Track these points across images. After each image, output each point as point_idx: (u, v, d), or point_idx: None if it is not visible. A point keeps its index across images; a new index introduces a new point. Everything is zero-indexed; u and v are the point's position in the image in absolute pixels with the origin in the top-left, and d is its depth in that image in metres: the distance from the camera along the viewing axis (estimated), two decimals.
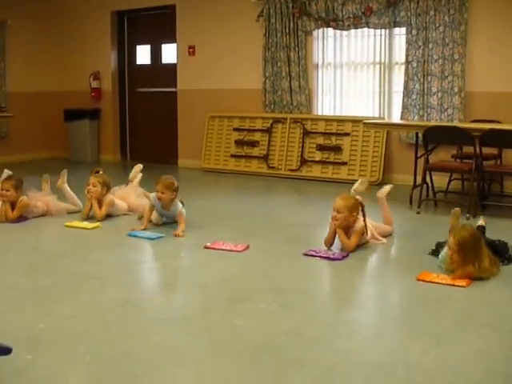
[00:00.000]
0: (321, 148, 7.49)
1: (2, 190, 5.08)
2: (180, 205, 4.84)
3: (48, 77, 9.43)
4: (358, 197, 4.22)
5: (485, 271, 3.56)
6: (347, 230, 4.20)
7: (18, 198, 5.10)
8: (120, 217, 5.27)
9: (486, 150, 5.49)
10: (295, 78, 7.62)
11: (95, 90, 9.18)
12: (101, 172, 5.30)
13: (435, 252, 4.00)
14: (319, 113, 7.74)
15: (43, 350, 2.66)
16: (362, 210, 4.20)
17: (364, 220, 4.20)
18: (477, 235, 3.67)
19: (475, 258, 3.54)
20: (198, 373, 2.48)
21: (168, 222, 4.92)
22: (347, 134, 7.36)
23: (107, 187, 5.19)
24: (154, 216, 4.92)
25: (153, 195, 4.86)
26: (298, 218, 5.39)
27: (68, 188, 5.48)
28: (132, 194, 5.52)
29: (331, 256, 4.06)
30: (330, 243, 4.26)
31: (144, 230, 4.73)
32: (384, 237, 4.49)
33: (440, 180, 6.16)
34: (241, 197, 6.50)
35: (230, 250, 4.23)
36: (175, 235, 4.62)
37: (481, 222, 4.25)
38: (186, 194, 5.48)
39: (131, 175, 5.74)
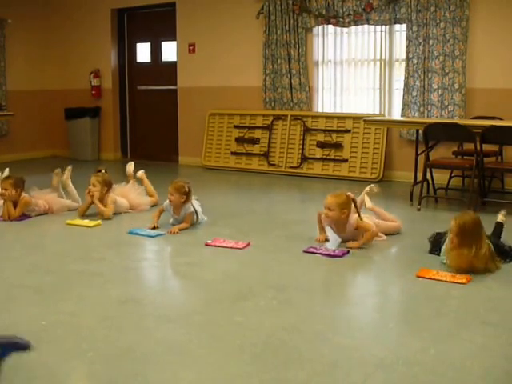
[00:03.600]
0: (321, 145, 7.49)
1: (2, 189, 5.09)
2: (191, 208, 4.80)
3: (48, 75, 9.43)
4: (349, 193, 4.26)
5: (481, 259, 3.56)
6: (341, 226, 4.25)
7: (19, 197, 5.11)
8: (121, 215, 5.28)
9: (487, 147, 5.49)
10: (295, 75, 7.62)
11: (95, 88, 9.18)
12: (103, 171, 5.29)
13: (433, 247, 4.00)
14: (319, 110, 7.74)
15: (46, 347, 2.67)
16: (355, 206, 4.24)
17: (359, 215, 4.23)
18: (478, 221, 3.66)
19: (473, 242, 3.55)
20: (199, 369, 2.49)
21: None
22: (348, 131, 7.37)
23: (107, 186, 5.17)
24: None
25: (166, 202, 4.86)
26: (298, 215, 5.39)
27: (71, 184, 5.51)
28: (132, 191, 5.53)
29: (331, 253, 4.07)
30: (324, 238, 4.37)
31: (153, 228, 4.72)
32: (393, 233, 4.54)
33: (440, 177, 6.16)
34: (241, 194, 6.51)
35: (231, 248, 4.24)
36: (169, 232, 4.64)
37: (500, 217, 4.23)
38: None
39: (128, 172, 5.75)
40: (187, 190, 4.77)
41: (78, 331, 2.84)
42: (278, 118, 7.82)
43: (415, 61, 6.83)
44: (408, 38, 6.86)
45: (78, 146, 9.23)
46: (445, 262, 3.74)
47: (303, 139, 7.63)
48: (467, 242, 3.56)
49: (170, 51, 8.78)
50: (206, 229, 4.81)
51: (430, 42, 6.70)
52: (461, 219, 3.63)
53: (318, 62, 7.66)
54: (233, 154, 8.10)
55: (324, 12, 7.30)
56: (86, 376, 2.47)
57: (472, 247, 3.55)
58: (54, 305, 3.20)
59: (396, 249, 4.49)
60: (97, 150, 9.30)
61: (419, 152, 5.85)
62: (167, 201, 4.84)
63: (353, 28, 7.30)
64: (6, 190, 5.07)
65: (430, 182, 5.88)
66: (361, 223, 4.22)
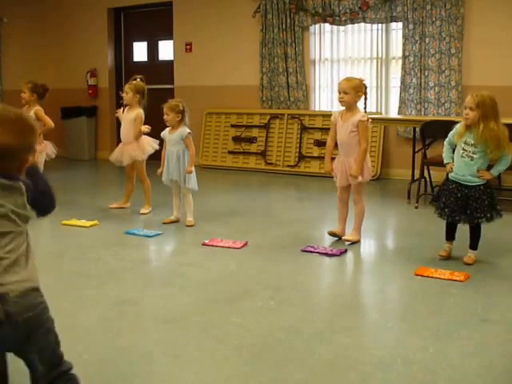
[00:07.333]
0: (318, 143, 7.48)
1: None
2: (187, 130, 4.97)
3: (45, 75, 9.34)
4: (361, 78, 4.28)
5: (504, 133, 3.48)
6: (350, 112, 4.21)
7: (33, 102, 5.28)
8: (118, 214, 5.26)
9: None
10: (292, 74, 7.61)
11: (92, 88, 9.16)
12: (138, 80, 5.35)
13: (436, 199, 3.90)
14: (316, 108, 7.73)
15: None
16: (365, 93, 4.27)
17: (365, 100, 4.32)
18: (495, 100, 3.58)
19: (496, 117, 3.48)
20: (196, 370, 2.48)
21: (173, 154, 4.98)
22: None
23: (139, 93, 5.30)
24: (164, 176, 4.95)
25: (162, 132, 5.11)
26: (296, 214, 5.38)
27: None
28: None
29: (329, 252, 4.06)
30: (330, 157, 4.33)
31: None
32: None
33: (438, 174, 6.15)
34: (239, 193, 6.49)
35: (228, 247, 4.23)
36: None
37: None
38: None
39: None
40: (181, 108, 4.93)
41: (74, 333, 2.82)
42: (275, 116, 7.81)
43: (411, 59, 6.83)
44: (404, 36, 6.86)
45: (74, 146, 9.20)
46: (454, 137, 3.63)
47: (300, 138, 7.62)
48: (490, 115, 3.46)
49: (166, 50, 8.77)
50: (203, 228, 4.80)
51: (426, 39, 6.70)
52: (478, 94, 3.54)
53: (314, 60, 7.65)
54: (230, 153, 8.09)
55: (320, 10, 7.29)
56: (82, 379, 2.45)
57: (496, 121, 3.46)
58: (50, 306, 3.18)
59: (394, 247, 4.49)
60: (93, 150, 9.28)
61: (416, 150, 5.85)
62: (163, 132, 5.04)
63: (349, 26, 7.29)
64: (24, 93, 5.22)
65: (428, 179, 5.87)
66: (363, 124, 4.16)
